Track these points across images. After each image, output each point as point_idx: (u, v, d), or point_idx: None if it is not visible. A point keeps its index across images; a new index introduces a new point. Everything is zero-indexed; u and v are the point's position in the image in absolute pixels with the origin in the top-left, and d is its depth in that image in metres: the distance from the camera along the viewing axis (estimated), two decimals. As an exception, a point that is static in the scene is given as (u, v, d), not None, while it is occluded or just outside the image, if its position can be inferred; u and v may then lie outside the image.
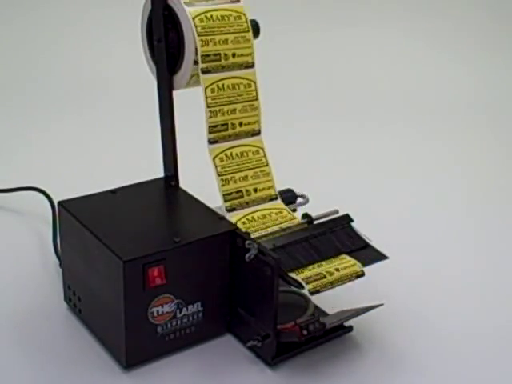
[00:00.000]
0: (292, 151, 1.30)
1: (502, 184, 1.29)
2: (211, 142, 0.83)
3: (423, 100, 1.66)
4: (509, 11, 1.83)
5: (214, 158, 0.83)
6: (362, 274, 0.77)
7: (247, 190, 0.85)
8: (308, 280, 0.75)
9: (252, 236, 0.80)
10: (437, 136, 1.50)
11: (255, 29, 0.87)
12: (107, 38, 1.72)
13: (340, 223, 0.84)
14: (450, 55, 1.78)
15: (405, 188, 1.25)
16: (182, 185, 0.90)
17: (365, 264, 0.79)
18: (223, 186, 0.83)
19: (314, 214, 0.86)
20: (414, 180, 1.28)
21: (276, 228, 0.83)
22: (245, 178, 0.85)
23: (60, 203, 0.84)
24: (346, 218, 0.84)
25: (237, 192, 0.84)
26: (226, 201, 0.83)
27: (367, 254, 0.81)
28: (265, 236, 0.81)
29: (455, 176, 1.31)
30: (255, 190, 0.85)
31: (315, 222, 0.85)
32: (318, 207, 0.87)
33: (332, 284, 0.76)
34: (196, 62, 0.83)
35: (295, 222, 0.85)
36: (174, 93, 0.88)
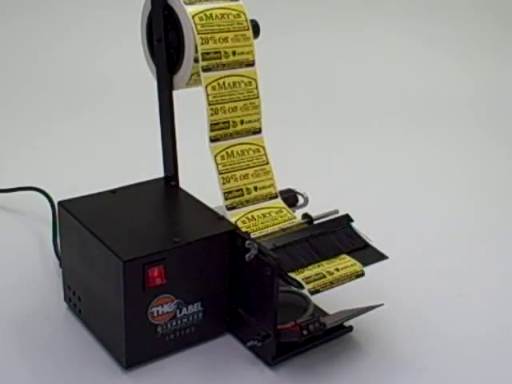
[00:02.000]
0: (292, 151, 1.30)
1: (502, 184, 1.29)
2: (212, 140, 0.83)
3: (423, 100, 1.66)
4: (509, 11, 1.83)
5: (215, 156, 0.83)
6: (362, 274, 0.77)
7: (247, 189, 0.85)
8: (308, 280, 0.75)
9: (252, 236, 0.80)
10: (437, 136, 1.50)
11: (255, 29, 0.87)
12: (107, 38, 1.72)
13: (340, 223, 0.84)
14: (450, 55, 1.78)
15: (405, 188, 1.25)
16: (181, 185, 0.90)
17: (365, 264, 0.79)
18: (224, 184, 0.83)
19: (313, 214, 0.86)
20: (414, 180, 1.28)
21: (276, 228, 0.83)
22: (245, 176, 0.85)
23: (60, 203, 0.84)
24: (346, 218, 0.84)
25: (237, 190, 0.84)
26: (226, 199, 0.83)
27: (367, 253, 0.81)
28: (265, 236, 0.81)
29: (455, 176, 1.31)
30: (255, 189, 0.85)
31: (315, 222, 0.85)
32: (318, 207, 0.87)
33: (332, 284, 0.75)
34: (196, 60, 0.83)
35: (295, 221, 0.85)
36: (174, 93, 0.88)
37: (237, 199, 0.84)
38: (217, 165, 0.83)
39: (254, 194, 0.85)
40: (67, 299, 0.87)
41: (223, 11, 0.85)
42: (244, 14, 0.86)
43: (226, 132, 0.84)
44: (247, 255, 0.76)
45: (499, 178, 1.32)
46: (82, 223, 0.80)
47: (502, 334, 0.87)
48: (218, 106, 0.83)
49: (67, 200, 0.84)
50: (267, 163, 0.87)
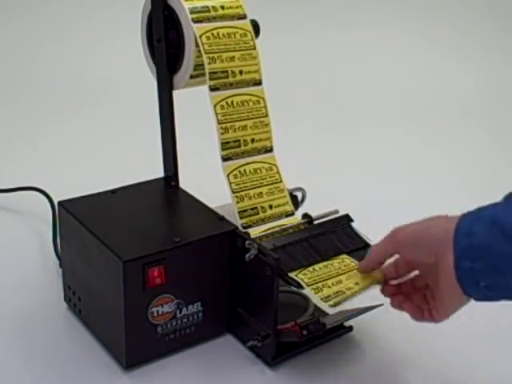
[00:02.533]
0: (292, 151, 1.30)
1: (503, 184, 1.29)
2: (225, 159, 0.84)
3: (423, 100, 1.66)
4: (509, 11, 1.83)
5: (228, 175, 0.84)
6: (381, 281, 0.78)
7: (262, 207, 0.85)
8: (327, 299, 0.75)
9: (252, 236, 0.80)
10: (437, 136, 1.50)
11: (255, 29, 0.87)
12: (107, 38, 1.72)
13: (340, 223, 0.84)
14: (451, 55, 1.78)
15: (405, 188, 1.25)
16: (181, 185, 0.90)
17: (365, 264, 0.79)
18: (238, 203, 0.83)
19: (313, 214, 0.86)
20: (414, 180, 1.28)
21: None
22: (259, 194, 0.85)
23: (60, 203, 0.84)
24: (346, 218, 0.84)
25: (252, 209, 0.84)
26: (241, 218, 0.83)
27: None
28: (265, 236, 0.81)
29: (455, 176, 1.31)
30: (270, 207, 0.86)
31: (315, 222, 0.85)
32: (318, 207, 0.87)
33: (351, 295, 0.76)
34: (196, 68, 0.83)
35: (296, 222, 0.85)
36: (174, 93, 0.88)
37: (253, 218, 0.84)
38: (230, 184, 0.83)
39: (269, 212, 0.85)
40: (67, 299, 0.87)
41: (230, 30, 0.85)
42: (250, 34, 0.86)
43: (238, 151, 0.85)
44: (247, 255, 0.76)
45: (500, 178, 1.32)
46: (82, 223, 0.80)
47: (501, 334, 0.87)
48: (228, 125, 0.83)
49: (67, 200, 0.84)
50: (281, 181, 0.87)
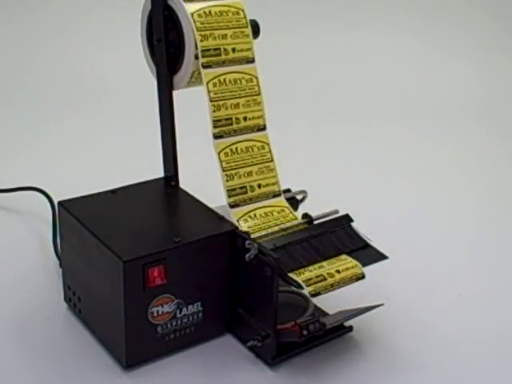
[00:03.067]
0: (292, 151, 1.30)
1: (503, 184, 1.29)
2: (216, 136, 0.83)
3: (424, 100, 1.66)
4: (509, 11, 1.83)
5: (219, 153, 0.83)
6: (363, 277, 0.77)
7: (251, 186, 0.85)
8: (309, 282, 0.75)
9: (252, 236, 0.80)
10: (437, 136, 1.50)
11: (255, 29, 0.87)
12: (107, 38, 1.72)
13: (340, 223, 0.84)
14: (451, 55, 1.78)
15: (405, 188, 1.25)
16: (181, 185, 0.90)
17: (365, 264, 0.79)
18: (227, 181, 0.83)
19: (313, 214, 0.86)
20: (414, 180, 1.28)
21: (277, 228, 0.83)
22: (249, 173, 0.85)
23: (60, 203, 0.84)
24: (346, 218, 0.84)
25: (241, 188, 0.84)
26: (229, 196, 0.83)
27: (367, 253, 0.81)
28: (265, 236, 0.81)
29: (456, 176, 1.31)
30: (259, 186, 0.85)
31: (315, 222, 0.85)
32: (318, 207, 0.87)
33: (332, 286, 0.75)
34: (196, 57, 0.83)
35: (295, 222, 0.85)
36: (174, 93, 0.88)
37: (240, 197, 0.84)
38: (220, 162, 0.83)
39: (257, 191, 0.85)
40: (67, 299, 0.87)
41: (222, 8, 0.85)
42: (243, 11, 0.86)
43: (230, 128, 0.84)
44: (247, 255, 0.76)
45: (500, 178, 1.32)
46: (82, 223, 0.80)
47: (502, 334, 0.87)
48: (220, 103, 0.83)
49: (67, 200, 0.84)
50: (271, 160, 0.87)
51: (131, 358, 0.77)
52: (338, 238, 0.82)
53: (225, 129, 0.84)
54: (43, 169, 1.24)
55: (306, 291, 0.75)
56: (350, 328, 0.84)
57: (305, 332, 0.75)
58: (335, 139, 1.44)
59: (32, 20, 1.73)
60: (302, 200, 0.92)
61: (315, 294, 0.74)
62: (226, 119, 0.84)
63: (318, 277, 0.76)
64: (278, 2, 1.78)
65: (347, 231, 0.83)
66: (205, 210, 0.84)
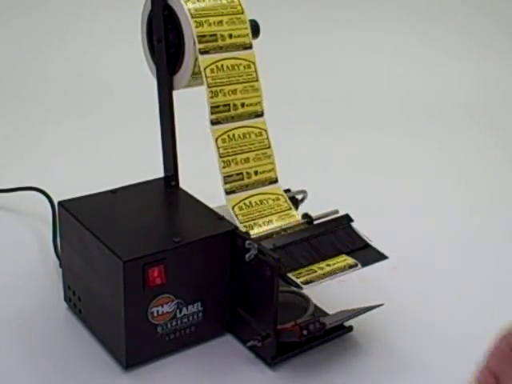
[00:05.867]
0: (292, 151, 1.30)
1: (503, 184, 1.29)
2: (214, 122, 0.83)
3: (424, 100, 1.66)
4: (508, 11, 1.83)
5: (216, 139, 0.83)
6: (356, 265, 0.77)
7: (248, 173, 0.84)
8: (299, 275, 0.75)
9: (252, 236, 0.80)
10: (437, 136, 1.50)
11: (255, 29, 0.87)
12: (107, 38, 1.72)
13: (340, 223, 0.84)
14: (451, 55, 1.78)
15: (405, 188, 1.25)
16: (181, 185, 0.90)
17: (365, 264, 0.79)
18: (224, 167, 0.83)
19: (313, 214, 0.86)
20: (414, 180, 1.28)
21: (271, 217, 0.83)
22: (246, 159, 0.85)
23: (60, 203, 0.84)
24: (346, 218, 0.84)
25: (237, 174, 0.84)
26: (226, 183, 0.83)
27: (367, 253, 0.81)
28: (265, 236, 0.81)
29: (456, 176, 1.31)
30: (256, 173, 0.85)
31: (315, 222, 0.85)
32: (318, 207, 0.87)
33: (324, 275, 0.76)
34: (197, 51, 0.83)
35: (293, 219, 0.85)
36: (174, 93, 0.88)
37: (237, 183, 0.84)
38: (217, 148, 0.83)
39: (253, 178, 0.85)
40: (67, 299, 0.87)
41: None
42: (238, 0, 0.86)
43: (227, 115, 0.84)
44: (247, 255, 0.76)
45: (500, 178, 1.32)
46: (82, 223, 0.80)
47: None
48: (218, 89, 0.83)
49: (67, 200, 0.84)
50: (269, 147, 0.87)
51: (131, 358, 0.77)
52: (338, 238, 0.82)
53: (222, 115, 0.84)
54: (43, 169, 1.24)
55: (305, 291, 0.75)
56: (350, 328, 0.84)
57: (305, 332, 0.75)
58: (335, 139, 1.44)
59: (32, 21, 1.73)
60: (302, 200, 0.91)
61: (307, 283, 0.74)
62: (224, 105, 0.84)
63: (308, 270, 0.76)
64: (277, 2, 1.77)
65: (347, 231, 0.83)
66: (205, 209, 0.84)
